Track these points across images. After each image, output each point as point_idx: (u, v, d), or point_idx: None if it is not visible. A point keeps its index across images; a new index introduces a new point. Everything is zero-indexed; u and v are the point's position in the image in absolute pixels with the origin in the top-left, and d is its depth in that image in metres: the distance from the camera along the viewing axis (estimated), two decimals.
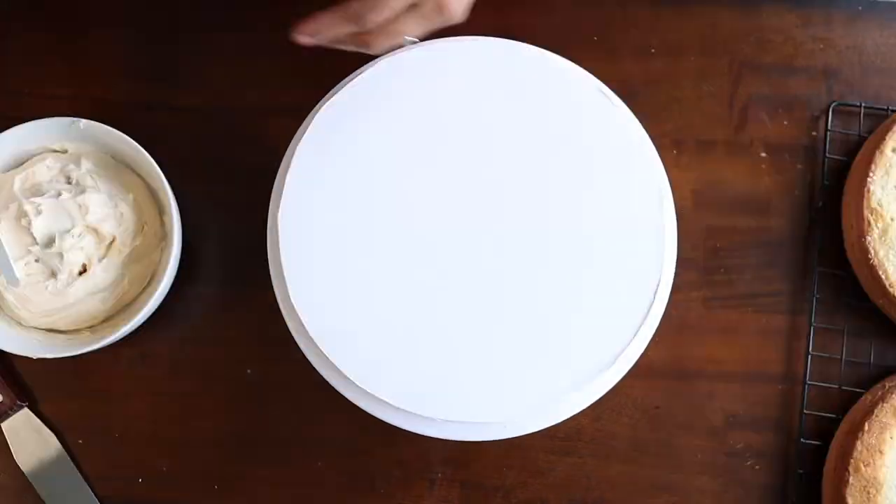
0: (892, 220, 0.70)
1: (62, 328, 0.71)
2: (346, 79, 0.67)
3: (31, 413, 0.72)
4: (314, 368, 0.66)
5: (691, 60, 0.76)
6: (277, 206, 0.66)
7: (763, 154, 0.76)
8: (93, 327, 0.71)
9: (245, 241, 0.74)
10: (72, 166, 0.71)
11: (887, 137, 0.71)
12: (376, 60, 0.68)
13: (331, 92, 0.68)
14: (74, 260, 0.69)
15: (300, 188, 0.66)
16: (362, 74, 0.67)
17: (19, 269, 0.69)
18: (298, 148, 0.67)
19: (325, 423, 0.72)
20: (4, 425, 0.72)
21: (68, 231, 0.69)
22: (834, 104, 0.76)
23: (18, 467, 0.72)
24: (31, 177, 0.71)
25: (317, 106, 0.68)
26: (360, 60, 0.68)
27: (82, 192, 0.70)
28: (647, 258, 0.64)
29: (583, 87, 0.67)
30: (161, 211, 0.73)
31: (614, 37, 0.77)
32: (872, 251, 0.70)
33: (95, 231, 0.70)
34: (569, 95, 0.66)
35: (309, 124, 0.68)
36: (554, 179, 0.65)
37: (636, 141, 0.67)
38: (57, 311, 0.69)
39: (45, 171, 0.71)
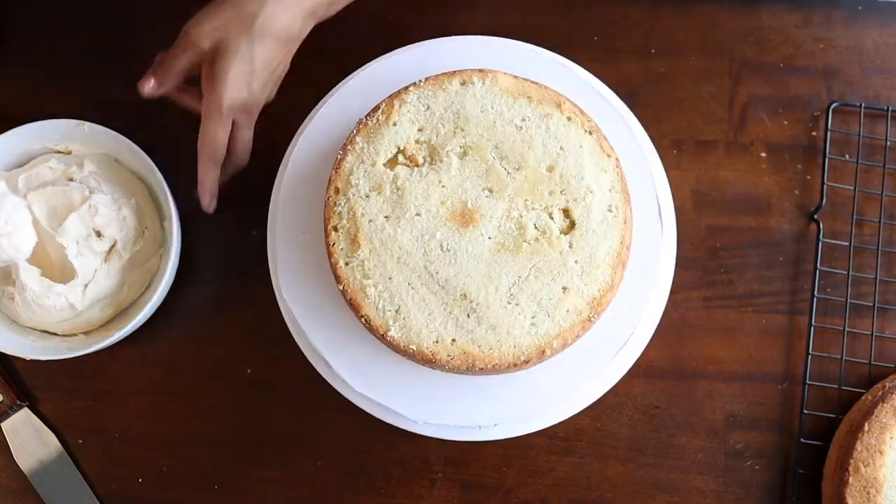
0: None
1: (58, 332, 0.70)
2: (345, 79, 0.67)
3: (31, 413, 0.72)
4: (314, 369, 0.66)
5: (691, 60, 0.76)
6: (277, 207, 0.66)
7: (763, 154, 0.76)
8: (88, 332, 0.71)
9: (245, 242, 0.74)
10: (74, 168, 0.71)
11: None
12: (374, 60, 0.68)
13: (329, 92, 0.68)
14: (83, 269, 0.69)
15: (300, 188, 0.66)
16: (359, 74, 0.67)
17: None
18: (297, 148, 0.67)
19: (325, 423, 0.72)
20: (4, 425, 0.72)
21: (84, 239, 0.69)
22: (834, 104, 0.76)
23: (18, 467, 0.72)
24: (35, 177, 0.70)
25: (315, 107, 0.68)
26: (358, 61, 0.68)
27: (90, 193, 0.69)
28: (646, 258, 0.64)
29: (582, 86, 0.67)
30: (161, 216, 0.72)
31: (614, 37, 0.77)
32: None
33: (98, 234, 0.69)
34: (567, 95, 0.66)
35: (307, 125, 0.68)
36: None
37: (636, 141, 0.67)
38: (64, 321, 0.69)
39: (48, 171, 0.70)
